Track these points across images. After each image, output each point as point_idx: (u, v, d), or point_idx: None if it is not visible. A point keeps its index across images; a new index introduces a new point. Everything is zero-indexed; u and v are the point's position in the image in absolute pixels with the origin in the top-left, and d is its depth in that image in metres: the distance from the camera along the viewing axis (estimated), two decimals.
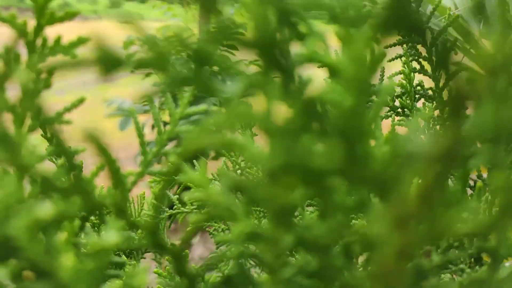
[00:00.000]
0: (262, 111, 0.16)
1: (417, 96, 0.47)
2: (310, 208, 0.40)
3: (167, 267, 0.36)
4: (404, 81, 0.47)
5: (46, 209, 0.16)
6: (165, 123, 2.17)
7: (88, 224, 0.22)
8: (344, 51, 0.15)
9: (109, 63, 0.16)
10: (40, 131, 0.29)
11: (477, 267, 0.28)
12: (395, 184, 0.14)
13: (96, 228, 0.37)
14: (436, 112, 0.45)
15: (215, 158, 2.06)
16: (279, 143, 0.15)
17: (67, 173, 0.19)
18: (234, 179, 0.16)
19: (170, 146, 0.27)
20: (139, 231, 0.21)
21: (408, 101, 0.47)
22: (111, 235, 0.16)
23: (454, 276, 0.28)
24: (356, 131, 0.14)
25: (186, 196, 0.22)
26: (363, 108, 0.14)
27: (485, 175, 0.43)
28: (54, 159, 0.34)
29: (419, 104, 0.48)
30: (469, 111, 0.13)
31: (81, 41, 0.23)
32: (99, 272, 0.15)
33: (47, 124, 0.22)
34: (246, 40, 0.15)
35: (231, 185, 0.16)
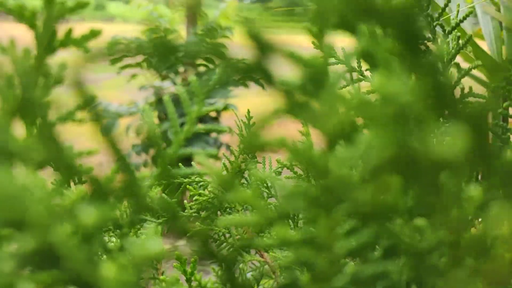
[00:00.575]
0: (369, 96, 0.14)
1: None
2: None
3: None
4: None
5: (90, 214, 0.15)
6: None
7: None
8: None
9: (165, 51, 0.15)
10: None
11: None
12: None
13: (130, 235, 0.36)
14: None
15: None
16: (389, 132, 0.13)
17: (118, 175, 0.18)
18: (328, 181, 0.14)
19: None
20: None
21: None
22: (155, 243, 0.15)
23: None
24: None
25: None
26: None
27: None
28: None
29: None
30: None
31: (93, 34, 0.22)
32: (139, 283, 0.14)
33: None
34: (385, 7, 0.13)
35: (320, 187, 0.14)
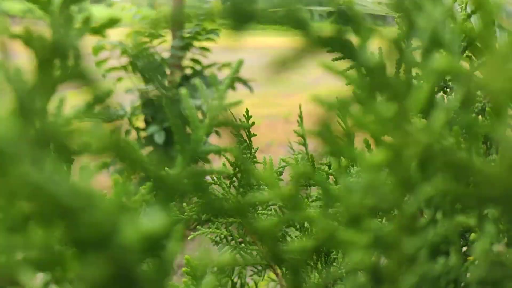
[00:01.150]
0: None
1: None
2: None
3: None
4: None
5: (160, 218, 0.13)
6: (138, 129, 2.13)
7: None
8: None
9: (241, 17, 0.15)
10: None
11: None
12: None
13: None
14: None
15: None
16: None
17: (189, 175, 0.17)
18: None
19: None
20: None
21: None
22: (226, 251, 0.13)
23: None
24: None
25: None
26: None
27: None
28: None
29: None
30: None
31: (112, 22, 0.21)
32: None
33: None
34: None
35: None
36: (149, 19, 2.32)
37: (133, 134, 2.06)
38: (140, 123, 2.15)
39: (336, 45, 0.16)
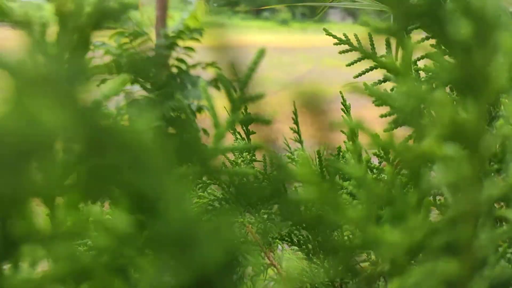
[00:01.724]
0: None
1: None
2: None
3: None
4: None
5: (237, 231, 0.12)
6: None
7: None
8: None
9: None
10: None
11: None
12: None
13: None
14: None
15: None
16: None
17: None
18: None
19: None
20: None
21: None
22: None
23: None
24: None
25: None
26: None
27: None
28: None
29: None
30: None
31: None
32: None
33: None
34: None
35: None
36: (133, 19, 2.30)
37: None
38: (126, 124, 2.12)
39: (426, 20, 0.15)
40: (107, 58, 2.06)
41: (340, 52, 0.43)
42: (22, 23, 0.19)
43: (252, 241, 0.36)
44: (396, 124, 0.25)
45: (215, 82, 2.06)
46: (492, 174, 0.28)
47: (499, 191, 0.16)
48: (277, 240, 0.37)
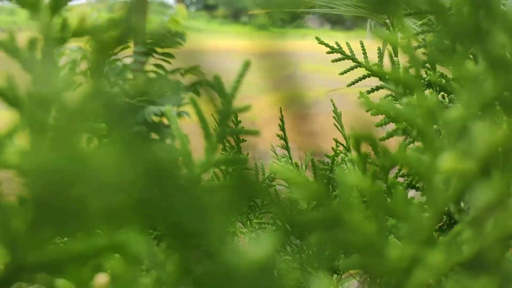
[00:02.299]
0: None
1: None
2: None
3: None
4: None
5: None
6: (101, 136, 2.07)
7: None
8: None
9: None
10: None
11: None
12: None
13: None
14: None
15: None
16: None
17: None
18: None
19: None
20: None
21: None
22: None
23: None
24: None
25: None
26: None
27: None
28: None
29: None
30: None
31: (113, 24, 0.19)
32: None
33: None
34: None
35: None
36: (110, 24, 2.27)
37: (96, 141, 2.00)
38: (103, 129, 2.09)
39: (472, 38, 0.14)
40: (84, 64, 2.03)
41: (333, 61, 0.43)
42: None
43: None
44: (396, 134, 0.25)
45: (194, 88, 2.05)
46: None
47: None
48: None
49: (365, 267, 0.15)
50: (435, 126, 0.16)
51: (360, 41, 0.45)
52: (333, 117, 0.47)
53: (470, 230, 0.16)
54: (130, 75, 2.24)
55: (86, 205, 0.12)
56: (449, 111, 0.16)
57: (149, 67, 2.26)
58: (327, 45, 0.43)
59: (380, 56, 0.43)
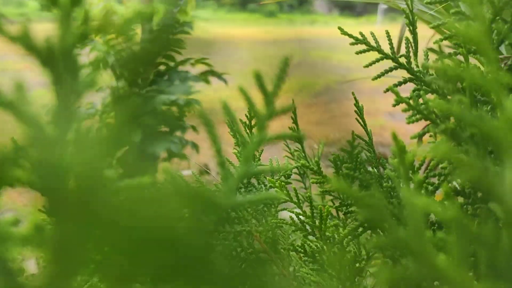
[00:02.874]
0: None
1: None
2: None
3: None
4: None
5: None
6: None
7: None
8: None
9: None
10: None
11: None
12: None
13: None
14: None
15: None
16: None
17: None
18: None
19: None
20: None
21: None
22: None
23: None
24: None
25: None
26: None
27: None
28: None
29: None
30: None
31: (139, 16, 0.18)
32: None
33: None
34: None
35: None
36: (118, 13, 2.26)
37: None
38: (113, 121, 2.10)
39: None
40: (93, 55, 2.04)
41: (357, 53, 0.40)
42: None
43: (260, 250, 0.35)
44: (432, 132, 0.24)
45: (204, 76, 2.04)
46: None
47: None
48: (289, 251, 0.35)
49: None
50: None
51: (386, 30, 0.42)
52: (355, 111, 0.44)
53: None
54: (140, 68, 2.23)
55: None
56: None
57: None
58: (351, 36, 0.39)
59: (398, 43, 0.40)
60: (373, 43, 0.39)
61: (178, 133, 2.10)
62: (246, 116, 0.44)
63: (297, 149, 0.51)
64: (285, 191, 0.37)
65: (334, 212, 0.53)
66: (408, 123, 0.29)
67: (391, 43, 0.39)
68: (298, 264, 0.35)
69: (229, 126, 0.24)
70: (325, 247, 0.33)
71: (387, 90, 0.31)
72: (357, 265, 0.32)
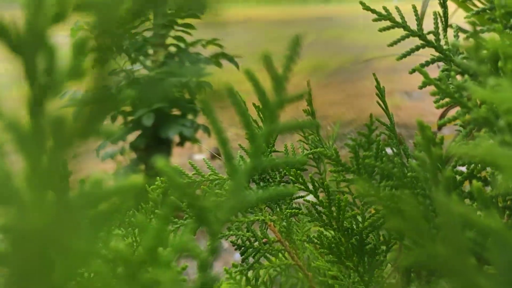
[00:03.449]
0: None
1: None
2: None
3: None
4: None
5: None
6: (125, 113, 2.08)
7: None
8: None
9: None
10: None
11: None
12: None
13: None
14: None
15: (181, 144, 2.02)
16: None
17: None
18: None
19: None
20: None
21: None
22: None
23: None
24: None
25: None
26: None
27: None
28: None
29: None
30: None
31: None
32: None
33: None
34: None
35: None
36: None
37: (119, 119, 2.02)
38: (127, 107, 2.11)
39: None
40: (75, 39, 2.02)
41: (380, 30, 0.36)
42: None
43: (274, 240, 0.34)
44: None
45: (215, 59, 2.02)
46: None
47: None
48: (304, 242, 0.34)
49: None
50: None
51: (413, 5, 0.39)
52: (376, 94, 0.41)
53: None
54: (150, 50, 2.22)
55: None
56: None
57: (169, 40, 2.23)
58: (374, 11, 0.36)
59: (420, 19, 0.37)
60: (398, 18, 0.35)
61: (190, 117, 2.10)
62: (254, 105, 0.42)
63: (311, 132, 0.49)
64: (300, 180, 0.36)
65: (350, 197, 0.51)
66: (437, 107, 0.27)
67: (418, 19, 0.36)
68: (314, 255, 0.34)
69: (238, 112, 0.23)
70: (342, 238, 0.31)
71: (413, 70, 0.29)
72: (377, 258, 0.31)
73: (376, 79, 0.40)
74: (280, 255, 0.34)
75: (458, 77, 0.29)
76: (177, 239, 0.14)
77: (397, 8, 0.37)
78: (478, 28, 0.33)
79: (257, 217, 0.34)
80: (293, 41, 0.18)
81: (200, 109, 1.95)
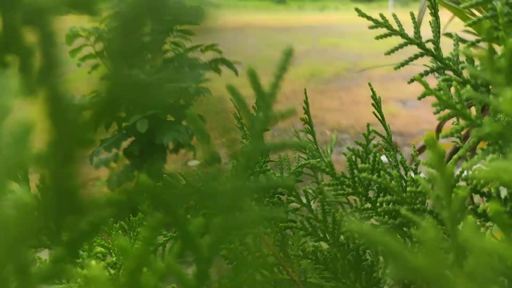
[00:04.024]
0: None
1: None
2: None
3: None
4: None
5: None
6: (119, 118, 2.06)
7: None
8: None
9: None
10: None
11: None
12: None
13: None
14: None
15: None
16: None
17: None
18: None
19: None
20: None
21: None
22: None
23: None
24: None
25: None
26: None
27: None
28: None
29: None
30: None
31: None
32: None
33: None
34: None
35: None
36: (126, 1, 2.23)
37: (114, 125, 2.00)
38: (121, 112, 2.09)
39: None
40: (100, 45, 2.02)
41: (377, 38, 0.35)
42: None
43: (268, 254, 0.33)
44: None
45: (214, 64, 2.02)
46: None
47: None
48: (299, 257, 0.33)
49: None
50: None
51: (410, 12, 0.38)
52: (372, 104, 0.40)
53: None
54: (148, 55, 2.21)
55: None
56: None
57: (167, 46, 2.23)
58: (370, 19, 0.35)
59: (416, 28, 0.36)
60: (395, 26, 0.34)
61: (184, 123, 2.08)
62: (253, 108, 0.41)
63: (309, 141, 0.48)
64: (293, 192, 0.35)
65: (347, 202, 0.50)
66: (439, 119, 0.27)
67: (416, 27, 0.35)
68: (309, 270, 0.33)
69: (237, 109, 0.22)
70: (338, 254, 0.30)
71: (412, 80, 0.28)
72: (374, 275, 0.30)
73: (372, 89, 0.39)
74: (275, 269, 0.33)
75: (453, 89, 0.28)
76: (161, 264, 0.13)
77: (394, 15, 0.36)
78: (474, 38, 0.32)
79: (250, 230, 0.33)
80: (284, 56, 0.18)
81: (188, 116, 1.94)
